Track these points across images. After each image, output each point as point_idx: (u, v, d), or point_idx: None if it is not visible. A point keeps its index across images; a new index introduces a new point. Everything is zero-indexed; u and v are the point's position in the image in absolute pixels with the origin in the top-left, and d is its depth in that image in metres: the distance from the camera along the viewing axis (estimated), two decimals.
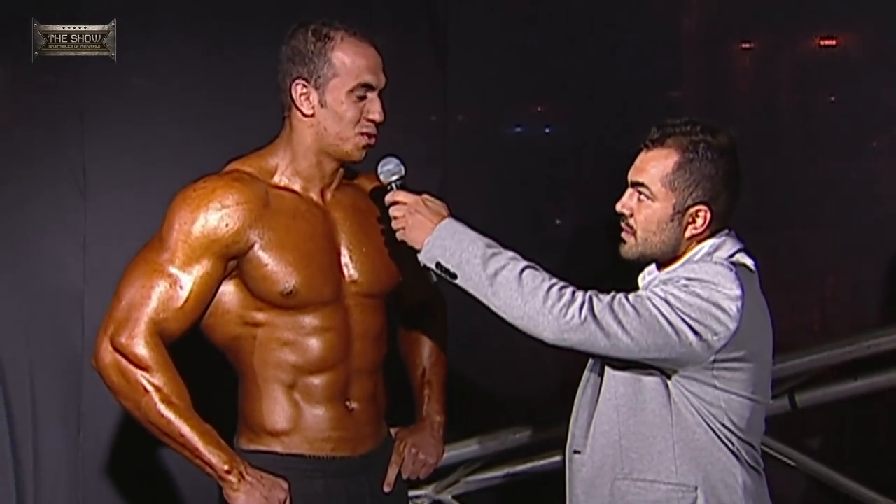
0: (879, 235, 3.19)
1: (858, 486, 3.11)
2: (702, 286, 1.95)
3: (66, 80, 3.06)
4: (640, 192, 2.06)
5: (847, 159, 3.22)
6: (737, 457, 2.02)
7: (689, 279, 1.97)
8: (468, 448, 3.11)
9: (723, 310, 1.93)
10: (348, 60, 2.14)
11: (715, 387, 1.98)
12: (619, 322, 1.93)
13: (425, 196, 2.10)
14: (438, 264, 2.02)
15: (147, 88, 3.13)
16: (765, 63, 3.31)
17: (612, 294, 1.98)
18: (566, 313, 1.92)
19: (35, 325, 3.02)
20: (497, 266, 1.98)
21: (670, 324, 1.93)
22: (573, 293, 1.95)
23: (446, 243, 2.02)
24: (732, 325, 1.93)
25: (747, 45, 3.33)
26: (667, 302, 1.94)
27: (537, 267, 2.01)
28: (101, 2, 3.04)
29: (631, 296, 1.97)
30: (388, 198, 2.13)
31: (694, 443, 2.01)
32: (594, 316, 1.92)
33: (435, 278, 2.07)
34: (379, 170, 2.16)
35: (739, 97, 3.33)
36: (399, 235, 2.10)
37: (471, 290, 2.00)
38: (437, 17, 3.25)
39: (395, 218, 2.10)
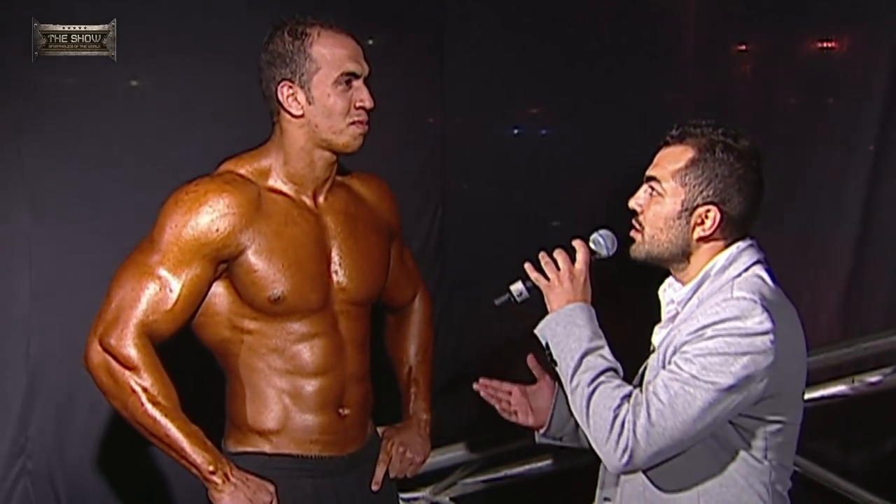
0: (876, 238, 3.17)
1: (857, 488, 3.09)
2: (726, 326, 1.88)
3: (65, 80, 3.07)
4: (653, 188, 2.02)
5: (844, 162, 3.20)
6: (765, 501, 1.96)
7: (713, 324, 1.89)
8: (465, 450, 3.11)
9: (751, 353, 1.86)
10: (328, 52, 2.14)
11: (757, 417, 1.94)
12: (664, 433, 1.87)
13: (582, 272, 2.05)
14: (547, 345, 2.03)
15: (146, 88, 3.14)
16: (763, 65, 3.29)
17: (646, 404, 1.88)
18: (616, 451, 1.89)
19: None
20: (577, 381, 1.96)
21: (711, 403, 1.86)
22: (623, 425, 1.89)
23: (558, 329, 2.01)
24: (766, 362, 1.87)
25: (745, 48, 3.32)
26: (696, 378, 1.86)
27: (610, 380, 1.94)
28: (101, 2, 3.04)
29: (662, 392, 1.88)
30: (577, 245, 2.07)
31: (721, 495, 1.95)
32: (640, 442, 1.88)
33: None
34: (596, 234, 2.10)
35: (736, 99, 3.32)
36: (541, 284, 2.06)
37: (563, 383, 2.01)
38: (434, 20, 3.25)
39: (553, 266, 2.05)
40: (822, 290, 3.29)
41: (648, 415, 1.88)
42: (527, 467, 3.15)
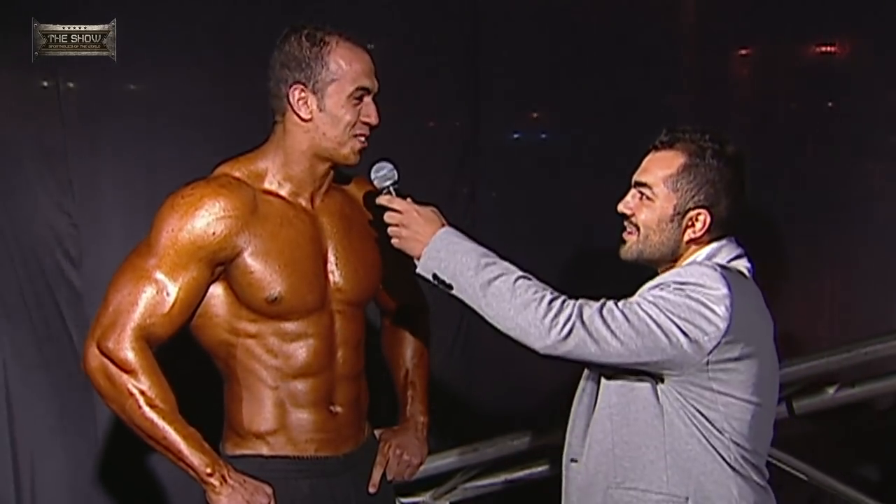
0: (877, 242, 3.16)
1: (859, 494, 3.08)
2: (689, 288, 1.95)
3: (66, 81, 3.06)
4: (643, 193, 2.07)
5: (846, 165, 3.19)
6: (733, 468, 2.01)
7: (676, 282, 1.97)
8: (465, 454, 3.09)
9: (711, 310, 1.93)
10: (346, 65, 2.14)
11: (712, 389, 1.98)
12: (609, 328, 1.93)
13: (416, 206, 2.10)
14: (435, 275, 2.03)
15: (146, 89, 3.13)
16: (763, 69, 3.28)
17: (602, 301, 1.98)
18: (555, 323, 1.92)
19: (28, 334, 3.04)
20: (489, 277, 1.98)
21: (659, 326, 1.93)
22: (563, 303, 1.95)
23: (441, 255, 2.03)
24: (722, 325, 1.93)
25: (746, 51, 3.31)
26: (655, 305, 1.95)
27: (531, 277, 2.00)
28: (101, 2, 3.05)
29: (620, 302, 1.98)
30: (382, 201, 2.13)
31: (686, 453, 2.00)
32: (583, 323, 1.93)
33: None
34: (372, 175, 2.17)
35: (738, 103, 3.31)
36: (395, 244, 2.10)
37: (466, 301, 2.01)
38: (434, 25, 3.25)
39: (389, 226, 2.10)
40: (823, 294, 3.29)
41: (602, 305, 1.95)
42: (527, 472, 3.13)
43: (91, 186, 3.08)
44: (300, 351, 2.20)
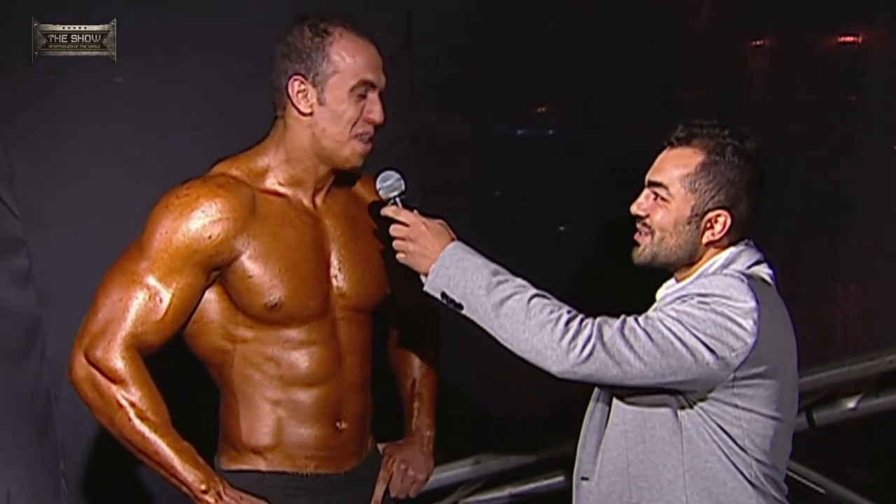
0: None
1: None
2: (715, 301, 1.86)
3: (66, 80, 3.02)
4: (657, 194, 1.99)
5: (869, 163, 3.12)
6: (753, 485, 1.93)
7: (700, 295, 1.88)
8: (468, 468, 3.01)
9: (738, 325, 1.85)
10: (348, 57, 2.07)
11: (736, 406, 1.90)
12: (631, 348, 1.84)
13: (424, 219, 2.02)
14: (444, 294, 1.95)
15: (146, 89, 3.09)
16: (780, 62, 3.21)
17: (623, 318, 1.89)
18: (573, 345, 1.84)
19: None
20: (502, 296, 1.90)
21: (684, 344, 1.84)
22: (581, 323, 1.86)
23: (450, 272, 1.94)
24: (750, 340, 1.85)
25: (761, 43, 3.23)
26: (679, 321, 1.86)
27: (547, 295, 1.92)
28: (101, 2, 3.00)
29: (641, 319, 1.89)
30: (388, 213, 2.05)
31: (706, 471, 1.93)
32: (604, 345, 1.84)
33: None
34: (378, 185, 2.08)
35: (752, 98, 3.24)
36: (401, 259, 2.02)
37: (477, 321, 1.93)
38: (432, 18, 3.19)
39: (395, 239, 2.02)
40: (844, 298, 3.23)
41: (622, 324, 1.86)
42: (532, 486, 3.05)
43: (89, 186, 3.01)
44: (302, 359, 2.13)
